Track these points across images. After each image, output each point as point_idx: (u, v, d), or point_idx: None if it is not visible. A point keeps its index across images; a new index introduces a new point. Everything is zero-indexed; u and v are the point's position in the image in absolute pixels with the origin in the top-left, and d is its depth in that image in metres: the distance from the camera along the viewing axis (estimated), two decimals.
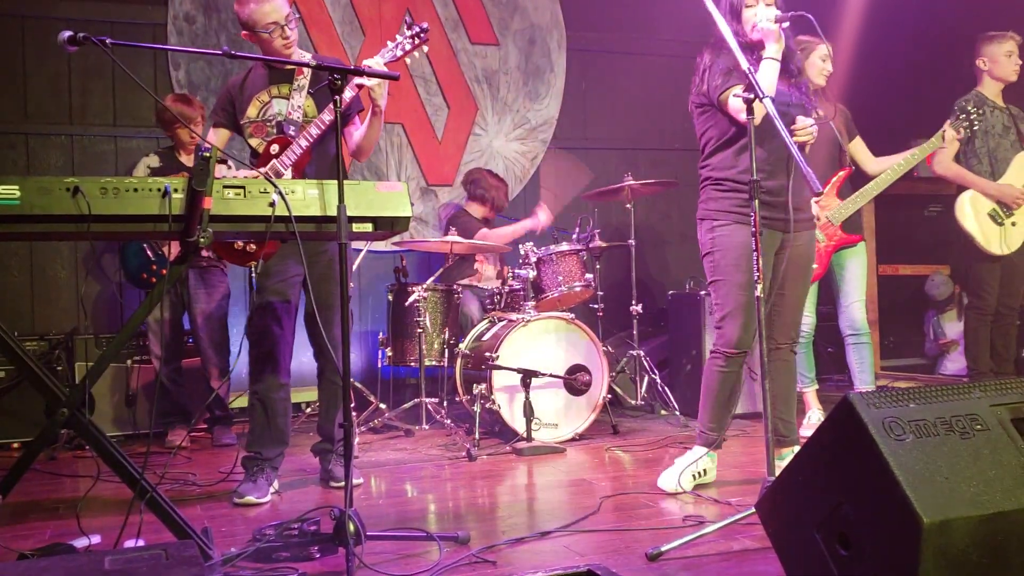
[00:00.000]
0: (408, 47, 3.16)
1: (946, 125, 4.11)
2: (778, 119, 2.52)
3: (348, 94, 3.13)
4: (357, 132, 3.29)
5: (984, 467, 1.68)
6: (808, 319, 4.16)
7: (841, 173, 4.12)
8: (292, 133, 3.17)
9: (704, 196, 3.20)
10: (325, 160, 3.21)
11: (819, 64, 4.04)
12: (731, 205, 3.09)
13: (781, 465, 3.12)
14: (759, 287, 2.58)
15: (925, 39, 5.51)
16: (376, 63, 3.06)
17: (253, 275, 3.13)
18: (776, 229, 3.10)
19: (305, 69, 3.21)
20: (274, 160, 3.13)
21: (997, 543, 1.61)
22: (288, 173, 3.11)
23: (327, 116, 3.11)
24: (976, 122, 4.14)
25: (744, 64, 2.60)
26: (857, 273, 4.17)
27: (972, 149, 4.31)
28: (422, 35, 3.18)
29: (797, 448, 3.13)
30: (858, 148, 4.23)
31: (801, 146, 3.05)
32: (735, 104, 2.93)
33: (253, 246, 3.07)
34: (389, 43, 3.17)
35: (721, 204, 3.12)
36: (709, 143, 3.19)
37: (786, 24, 2.93)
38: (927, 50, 5.51)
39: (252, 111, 3.24)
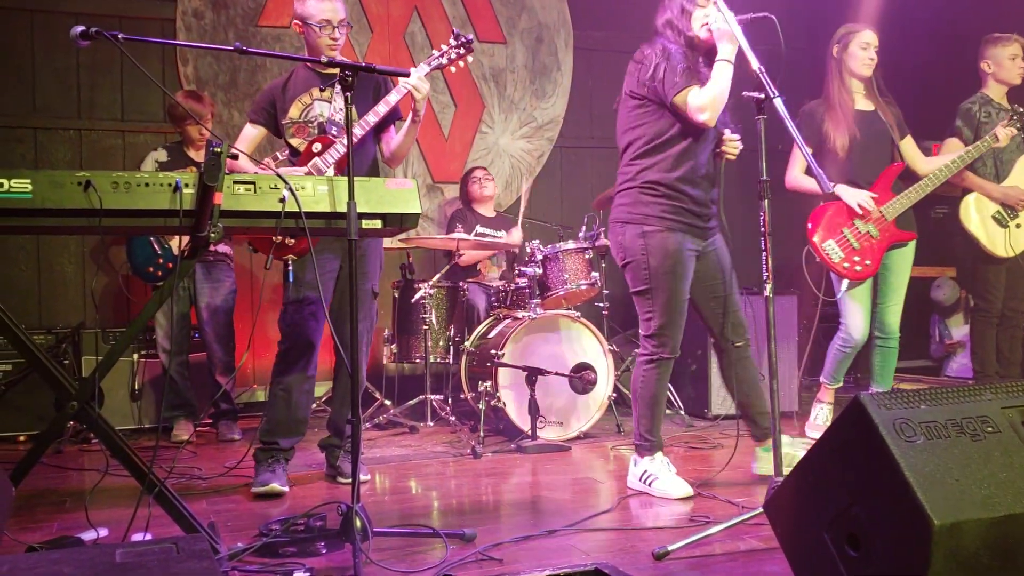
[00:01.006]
0: (454, 56, 3.24)
1: (1000, 125, 4.00)
2: (788, 119, 2.51)
3: (394, 97, 3.19)
4: (393, 140, 3.37)
5: (995, 469, 1.68)
6: (862, 326, 3.93)
7: (894, 167, 3.93)
8: (335, 133, 3.24)
9: (629, 199, 3.10)
10: (364, 160, 3.28)
11: (859, 53, 3.87)
12: (662, 210, 3.05)
13: (767, 457, 3.14)
14: (768, 287, 2.57)
15: (932, 40, 5.50)
16: (421, 70, 3.14)
17: (290, 268, 3.13)
18: (699, 237, 3.12)
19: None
20: (316, 158, 3.18)
21: (1008, 546, 1.61)
22: (331, 171, 3.16)
23: (371, 118, 3.17)
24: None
25: (755, 64, 2.59)
26: (901, 277, 3.99)
27: (974, 145, 4.30)
28: (468, 45, 3.24)
29: (785, 438, 3.09)
30: (908, 146, 4.04)
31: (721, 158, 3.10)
32: (696, 102, 2.91)
33: (291, 240, 3.09)
34: (435, 52, 3.26)
35: (651, 209, 3.05)
36: (639, 141, 3.09)
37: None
38: (933, 51, 5.50)
39: (294, 112, 3.29)
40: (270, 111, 3.34)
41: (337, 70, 3.18)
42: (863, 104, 3.96)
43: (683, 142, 3.03)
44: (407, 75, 2.76)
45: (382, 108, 3.17)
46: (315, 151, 3.19)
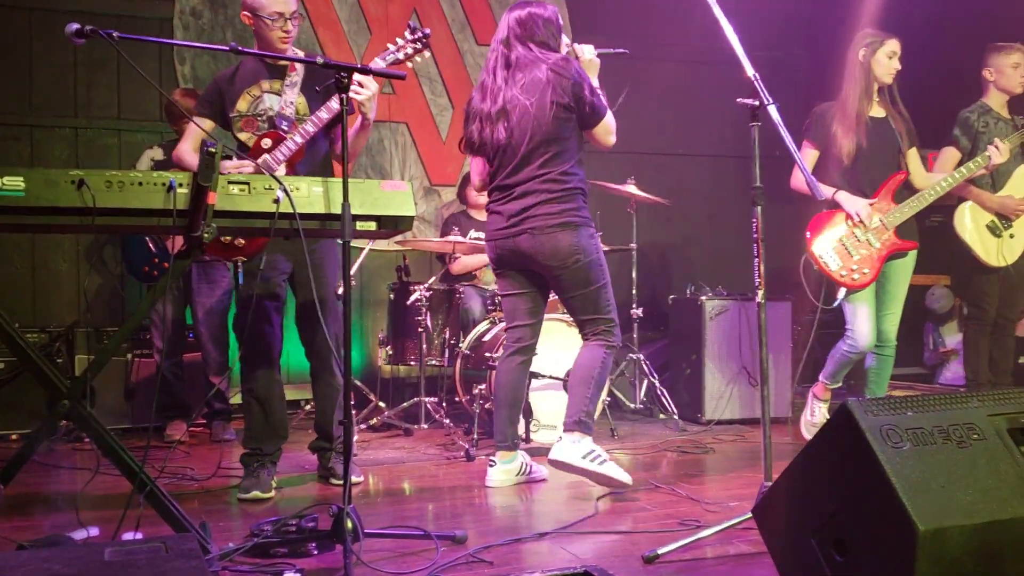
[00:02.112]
0: (410, 51, 3.15)
1: (995, 143, 4.01)
2: (782, 126, 2.52)
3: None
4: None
5: (980, 476, 1.69)
6: (868, 332, 3.90)
7: (898, 177, 3.94)
8: (285, 128, 3.16)
9: (575, 204, 3.23)
10: (316, 158, 3.22)
11: (885, 61, 3.88)
12: (589, 217, 3.29)
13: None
14: (760, 293, 2.58)
15: (930, 49, 5.52)
16: (376, 66, 3.05)
17: (239, 270, 3.11)
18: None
19: (297, 66, 3.21)
20: (266, 155, 3.10)
21: (992, 552, 1.62)
22: (281, 169, 3.09)
23: (324, 114, 3.10)
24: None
25: (750, 71, 2.60)
26: (900, 286, 3.99)
27: (974, 159, 4.31)
28: (424, 39, 3.15)
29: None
30: (912, 158, 4.04)
31: None
32: (611, 124, 3.28)
33: (242, 241, 3.05)
34: (390, 46, 3.17)
35: (588, 213, 3.28)
36: (570, 151, 3.24)
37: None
38: (932, 60, 5.52)
39: (242, 105, 3.21)
40: (216, 103, 3.25)
41: (287, 63, 3.18)
42: (876, 111, 3.97)
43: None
44: (402, 77, 2.75)
45: (334, 103, 3.07)
46: (265, 147, 3.12)
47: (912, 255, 3.98)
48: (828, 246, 3.85)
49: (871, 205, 3.85)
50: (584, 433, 3.18)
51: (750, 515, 2.30)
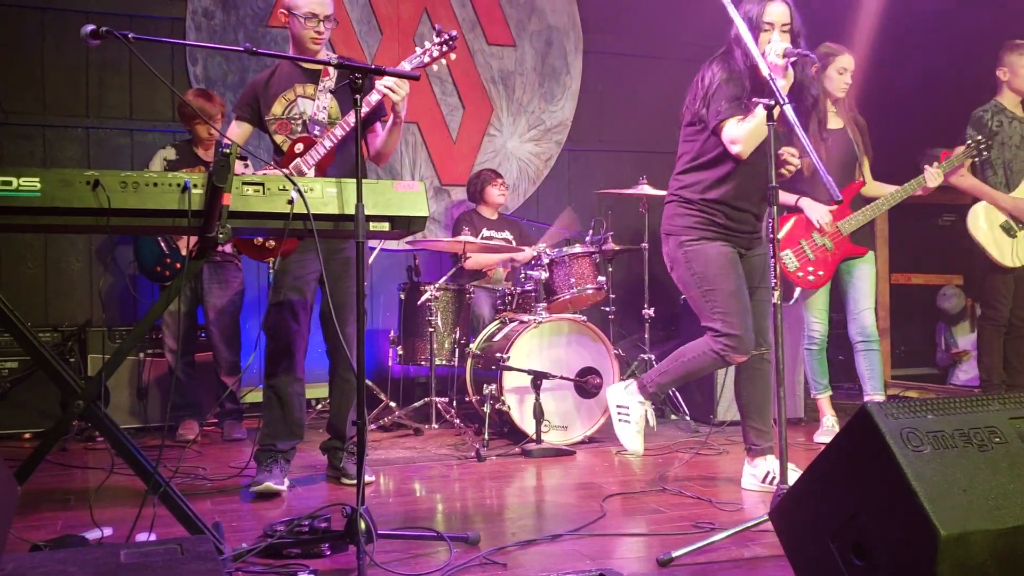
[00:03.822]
0: (436, 54, 3.16)
1: (930, 167, 4.06)
2: (798, 126, 2.50)
3: (374, 97, 3.16)
4: (378, 139, 3.33)
5: (1003, 480, 1.67)
6: (820, 326, 4.25)
7: (855, 185, 4.13)
8: (317, 133, 3.20)
9: (670, 211, 3.21)
10: (347, 161, 3.23)
11: (836, 77, 4.09)
12: (695, 222, 3.14)
13: (753, 473, 3.16)
14: (776, 294, 2.56)
15: (942, 48, 5.49)
16: (403, 68, 3.09)
17: (271, 271, 3.15)
18: (738, 245, 3.17)
19: (331, 71, 3.25)
20: (298, 159, 3.16)
21: (1016, 557, 1.60)
22: (311, 172, 3.14)
23: (352, 118, 3.12)
24: (985, 150, 4.17)
25: (765, 70, 2.59)
26: (867, 280, 4.19)
27: (988, 159, 4.28)
28: (451, 43, 3.18)
29: (771, 457, 3.16)
30: (865, 167, 4.21)
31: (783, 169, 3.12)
32: (730, 134, 2.96)
33: (272, 243, 3.10)
34: (417, 48, 3.19)
35: (686, 220, 3.15)
36: (685, 156, 3.19)
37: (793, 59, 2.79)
38: (944, 60, 5.48)
39: (277, 109, 3.27)
40: (253, 106, 3.30)
41: (320, 66, 3.21)
42: (833, 122, 4.12)
43: (724, 166, 3.07)
44: (416, 77, 2.75)
45: (363, 108, 3.12)
46: (297, 152, 3.17)
47: (871, 255, 4.20)
48: (788, 248, 4.08)
49: (830, 212, 4.04)
50: (638, 391, 3.36)
51: (765, 518, 2.29)
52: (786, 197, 4.04)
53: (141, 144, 5.28)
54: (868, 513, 1.71)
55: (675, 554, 2.33)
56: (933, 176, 4.05)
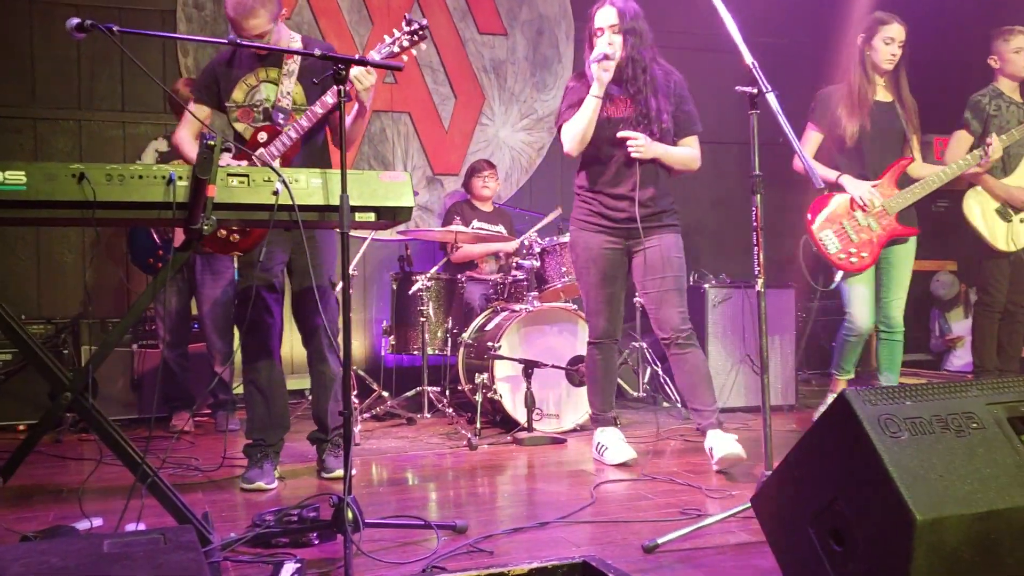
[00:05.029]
0: (406, 44, 3.08)
1: (991, 138, 3.98)
2: (781, 114, 2.50)
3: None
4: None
5: (979, 465, 1.68)
6: (863, 316, 3.95)
7: (903, 162, 3.94)
8: (281, 121, 3.13)
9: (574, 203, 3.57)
10: (312, 150, 3.19)
11: (882, 47, 3.88)
12: (581, 213, 3.51)
13: (714, 446, 3.31)
14: (759, 282, 2.56)
15: (938, 35, 5.47)
16: (372, 58, 3.01)
17: (235, 264, 3.12)
18: (618, 236, 3.44)
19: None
20: (262, 149, 3.09)
21: (990, 541, 1.62)
22: (276, 164, 3.06)
23: (319, 109, 3.07)
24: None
25: (748, 58, 2.58)
26: (903, 268, 3.99)
27: (985, 144, 4.27)
28: (420, 32, 3.09)
29: (719, 431, 3.36)
30: (914, 146, 4.04)
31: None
32: (562, 136, 3.42)
33: (237, 236, 3.05)
34: (386, 38, 3.12)
35: (576, 212, 3.53)
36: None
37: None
38: (939, 47, 5.47)
39: (238, 94, 3.18)
40: (212, 88, 3.20)
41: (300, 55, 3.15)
42: (882, 95, 3.97)
43: (592, 154, 3.44)
44: (400, 68, 2.73)
45: (329, 99, 3.05)
46: (261, 141, 3.10)
47: (913, 241, 3.99)
48: (829, 229, 3.87)
49: (874, 188, 3.85)
50: (592, 425, 3.69)
51: (749, 504, 2.31)
52: (826, 173, 3.87)
53: (133, 136, 5.27)
54: (846, 499, 1.73)
55: (660, 540, 2.35)
56: (996, 148, 3.95)
